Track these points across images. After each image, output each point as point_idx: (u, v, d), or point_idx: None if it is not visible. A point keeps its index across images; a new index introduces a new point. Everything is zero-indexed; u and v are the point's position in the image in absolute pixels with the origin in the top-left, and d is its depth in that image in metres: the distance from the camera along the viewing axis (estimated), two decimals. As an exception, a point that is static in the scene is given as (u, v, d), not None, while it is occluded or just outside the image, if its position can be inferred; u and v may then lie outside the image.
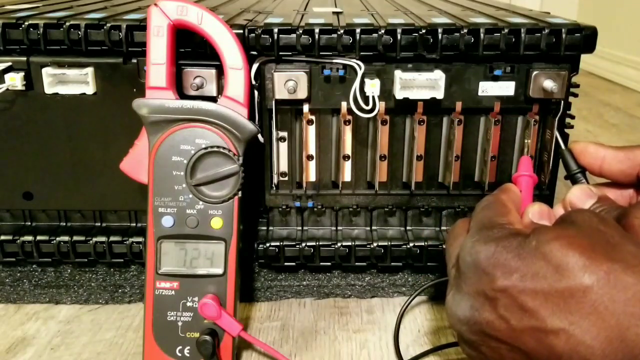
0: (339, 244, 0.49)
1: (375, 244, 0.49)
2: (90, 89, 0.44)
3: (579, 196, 0.34)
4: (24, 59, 0.44)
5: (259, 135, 0.42)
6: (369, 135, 0.47)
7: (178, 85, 0.42)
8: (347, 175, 0.49)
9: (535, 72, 0.44)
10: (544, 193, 0.48)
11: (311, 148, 0.48)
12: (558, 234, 0.28)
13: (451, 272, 0.35)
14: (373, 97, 0.43)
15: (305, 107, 0.45)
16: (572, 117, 0.47)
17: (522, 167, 0.40)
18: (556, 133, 0.43)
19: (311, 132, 0.47)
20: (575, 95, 0.47)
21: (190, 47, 0.43)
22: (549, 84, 0.44)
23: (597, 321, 0.26)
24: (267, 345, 0.41)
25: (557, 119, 0.45)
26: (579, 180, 0.38)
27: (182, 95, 0.42)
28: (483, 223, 0.33)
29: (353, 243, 0.49)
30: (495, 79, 0.45)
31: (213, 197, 0.39)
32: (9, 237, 0.49)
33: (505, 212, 0.34)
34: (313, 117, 0.46)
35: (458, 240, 0.35)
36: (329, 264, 0.49)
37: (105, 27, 0.43)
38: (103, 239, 0.49)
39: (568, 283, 0.26)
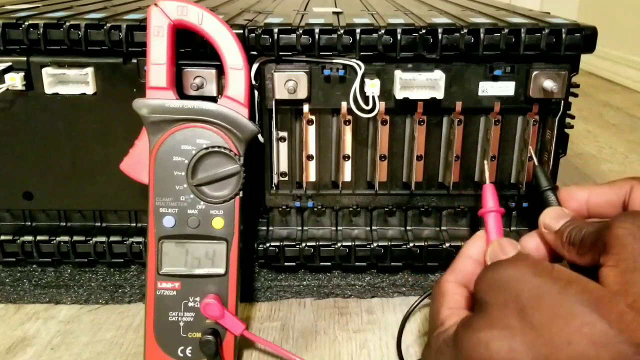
0: (339, 244, 0.49)
1: (375, 244, 0.49)
2: (90, 89, 0.44)
3: (553, 217, 0.35)
4: (24, 59, 0.44)
5: (259, 135, 0.42)
6: (369, 135, 0.47)
7: (178, 85, 0.42)
8: (347, 175, 0.49)
9: (535, 72, 0.44)
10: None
11: (311, 148, 0.48)
12: (476, 343, 0.29)
13: None
14: (373, 97, 0.43)
15: (305, 107, 0.45)
16: (572, 117, 0.47)
17: (487, 201, 0.39)
18: (530, 149, 0.43)
19: (311, 132, 0.47)
20: (575, 95, 0.47)
21: (190, 47, 0.43)
22: (549, 84, 0.44)
23: None
24: (270, 343, 0.41)
25: (557, 119, 0.45)
26: (549, 197, 0.39)
27: (182, 95, 0.42)
28: (430, 323, 0.36)
29: (353, 243, 0.49)
30: (495, 79, 0.45)
31: (214, 197, 0.39)
32: (9, 237, 0.49)
33: (438, 309, 0.35)
34: (313, 117, 0.46)
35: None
36: (329, 264, 0.50)
37: (105, 27, 0.43)
38: (103, 239, 0.49)
39: None
